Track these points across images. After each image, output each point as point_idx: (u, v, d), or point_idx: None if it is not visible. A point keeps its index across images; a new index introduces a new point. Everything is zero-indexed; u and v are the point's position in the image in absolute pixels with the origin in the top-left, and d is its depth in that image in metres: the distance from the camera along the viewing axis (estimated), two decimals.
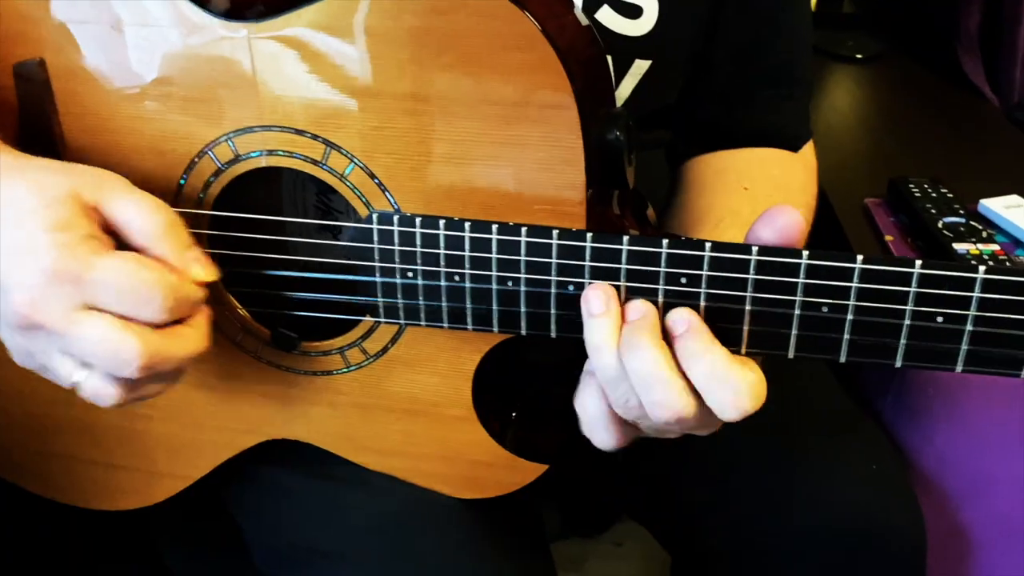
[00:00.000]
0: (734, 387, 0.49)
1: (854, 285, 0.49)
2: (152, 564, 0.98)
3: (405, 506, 0.66)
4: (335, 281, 0.62)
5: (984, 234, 0.95)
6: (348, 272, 0.60)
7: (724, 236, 0.66)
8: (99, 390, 0.53)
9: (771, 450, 0.74)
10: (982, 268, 0.47)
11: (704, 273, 0.51)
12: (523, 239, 0.54)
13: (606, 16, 0.69)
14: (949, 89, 1.35)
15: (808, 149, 0.83)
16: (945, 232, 0.95)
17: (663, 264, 0.52)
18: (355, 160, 0.58)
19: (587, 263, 0.53)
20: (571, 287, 0.54)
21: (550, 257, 0.54)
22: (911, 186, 1.02)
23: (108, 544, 0.99)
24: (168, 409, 0.69)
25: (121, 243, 0.54)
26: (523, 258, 0.55)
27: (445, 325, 0.59)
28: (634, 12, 0.70)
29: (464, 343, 0.60)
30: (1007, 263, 0.91)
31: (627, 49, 0.71)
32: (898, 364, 0.50)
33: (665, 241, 0.51)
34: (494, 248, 0.55)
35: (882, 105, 1.38)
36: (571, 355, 0.57)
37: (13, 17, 0.60)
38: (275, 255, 0.63)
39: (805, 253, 0.49)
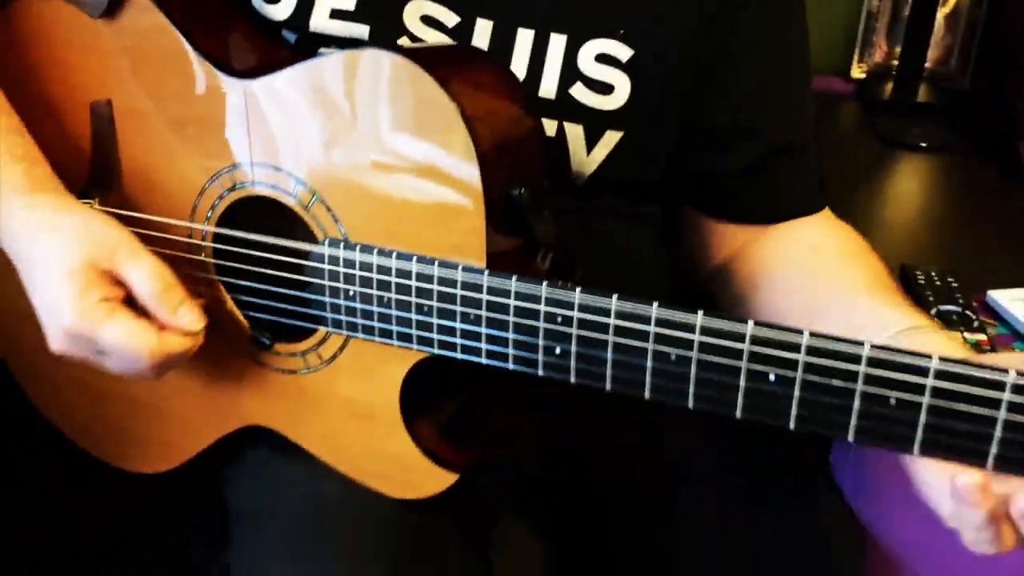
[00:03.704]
0: None
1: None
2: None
3: (347, 487, 0.75)
4: (296, 296, 0.72)
5: (975, 323, 0.96)
6: (305, 288, 0.71)
7: (875, 309, 0.74)
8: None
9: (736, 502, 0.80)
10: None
11: (575, 314, 0.58)
12: (435, 270, 0.63)
13: (579, 92, 0.77)
14: (1009, 187, 1.34)
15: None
16: (936, 319, 0.97)
17: (543, 303, 0.59)
18: (316, 194, 0.69)
19: (484, 296, 0.62)
20: (472, 316, 0.62)
21: (455, 288, 0.62)
22: (918, 273, 1.05)
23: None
24: (179, 391, 0.82)
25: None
26: (435, 287, 0.63)
27: (377, 339, 0.68)
28: (606, 89, 0.77)
29: (395, 354, 0.69)
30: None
31: (598, 121, 0.78)
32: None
33: (545, 283, 0.59)
34: (413, 276, 0.64)
35: (935, 195, 1.39)
36: (492, 377, 0.65)
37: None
38: (254, 268, 0.74)
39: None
